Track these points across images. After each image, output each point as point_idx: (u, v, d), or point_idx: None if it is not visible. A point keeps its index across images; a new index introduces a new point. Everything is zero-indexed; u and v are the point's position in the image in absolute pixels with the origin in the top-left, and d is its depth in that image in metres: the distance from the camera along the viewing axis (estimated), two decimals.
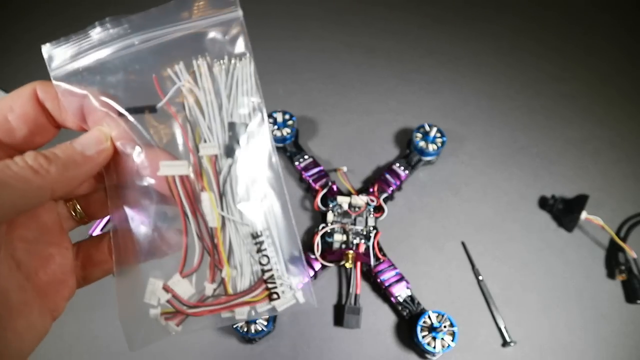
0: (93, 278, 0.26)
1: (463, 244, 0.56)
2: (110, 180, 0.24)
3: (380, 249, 0.53)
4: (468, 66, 0.74)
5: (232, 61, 0.23)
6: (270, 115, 0.60)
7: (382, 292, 0.51)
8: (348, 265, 0.50)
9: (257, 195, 0.24)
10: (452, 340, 0.46)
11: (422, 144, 0.59)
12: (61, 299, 0.24)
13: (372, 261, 0.51)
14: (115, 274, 0.24)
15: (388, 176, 0.57)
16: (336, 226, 0.53)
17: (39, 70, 0.79)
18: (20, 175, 0.20)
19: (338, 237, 0.52)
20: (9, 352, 0.20)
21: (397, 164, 0.59)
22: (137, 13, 0.23)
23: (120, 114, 0.22)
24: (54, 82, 0.22)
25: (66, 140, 0.23)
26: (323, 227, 0.53)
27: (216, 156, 0.23)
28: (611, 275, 0.54)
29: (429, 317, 0.47)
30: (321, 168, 0.58)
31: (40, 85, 0.22)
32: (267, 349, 0.49)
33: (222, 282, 0.24)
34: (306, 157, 0.59)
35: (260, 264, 0.24)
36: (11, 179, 0.19)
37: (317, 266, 0.51)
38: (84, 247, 0.26)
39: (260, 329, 0.46)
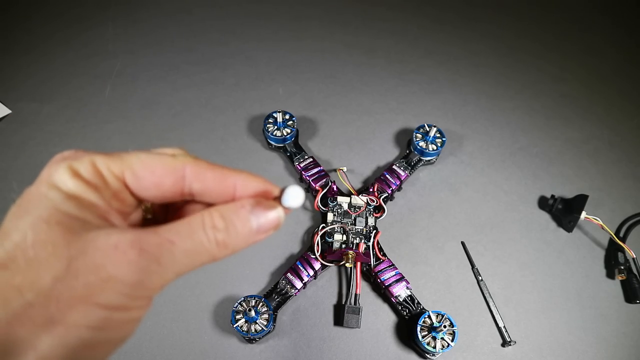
0: None
1: (463, 244, 0.56)
2: None
3: (380, 249, 0.53)
4: (468, 66, 0.74)
5: None
6: (270, 115, 0.60)
7: (382, 292, 0.51)
8: (348, 265, 0.50)
9: None
10: (452, 340, 0.46)
11: (422, 144, 0.59)
12: None
13: (372, 261, 0.51)
14: None
15: (388, 176, 0.58)
16: (336, 226, 0.53)
17: (39, 71, 0.79)
18: (206, 249, 0.18)
19: (338, 237, 0.53)
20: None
21: (397, 164, 0.59)
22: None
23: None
24: None
25: None
26: (323, 227, 0.53)
27: None
28: (610, 275, 0.54)
29: (429, 317, 0.47)
30: (321, 168, 0.58)
31: (192, 164, 0.20)
32: (267, 349, 0.49)
33: None
34: (306, 157, 0.59)
35: None
36: (198, 252, 0.18)
37: (317, 266, 0.51)
38: None
39: (260, 329, 0.46)
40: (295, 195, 0.20)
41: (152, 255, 0.17)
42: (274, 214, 0.20)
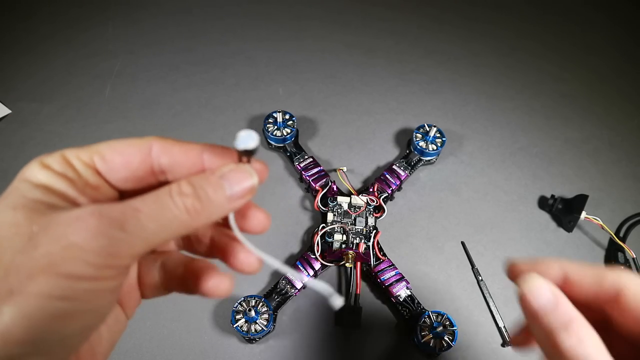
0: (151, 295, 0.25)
1: (463, 244, 0.56)
2: None
3: (380, 249, 0.53)
4: (468, 66, 0.74)
5: None
6: (270, 115, 0.60)
7: (382, 292, 0.51)
8: (348, 265, 0.50)
9: None
10: (452, 340, 0.46)
11: (422, 144, 0.59)
12: (131, 308, 0.24)
13: (372, 261, 0.51)
14: None
15: (388, 176, 0.58)
16: (336, 226, 0.53)
17: (39, 71, 0.78)
18: (175, 216, 0.18)
19: (338, 237, 0.53)
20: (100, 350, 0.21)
21: (397, 164, 0.59)
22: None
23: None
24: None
25: None
26: (323, 227, 0.53)
27: None
28: None
29: (429, 317, 0.47)
30: (321, 168, 0.58)
31: (159, 141, 0.20)
32: (267, 349, 0.49)
33: None
34: (306, 157, 0.59)
35: None
36: (167, 219, 0.18)
37: (317, 266, 0.51)
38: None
39: (260, 329, 0.46)
40: (248, 137, 0.19)
41: (114, 220, 0.17)
42: (248, 178, 0.20)
